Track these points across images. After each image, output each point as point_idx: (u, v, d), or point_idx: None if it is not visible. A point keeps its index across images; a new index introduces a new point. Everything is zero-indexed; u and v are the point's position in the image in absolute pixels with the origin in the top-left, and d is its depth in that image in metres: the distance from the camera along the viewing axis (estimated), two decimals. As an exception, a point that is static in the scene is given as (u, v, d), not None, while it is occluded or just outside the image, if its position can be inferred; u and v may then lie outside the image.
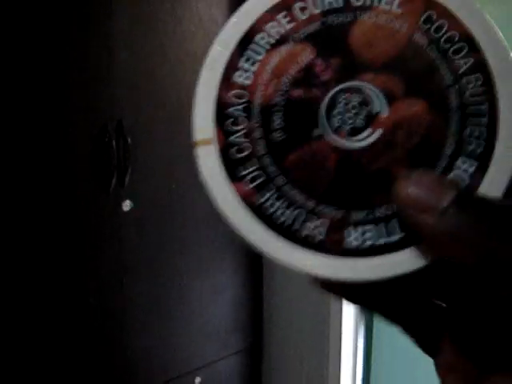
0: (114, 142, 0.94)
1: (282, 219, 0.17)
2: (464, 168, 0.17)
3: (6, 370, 0.83)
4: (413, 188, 0.16)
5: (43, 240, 0.87)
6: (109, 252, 0.98)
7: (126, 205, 0.98)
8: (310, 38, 0.17)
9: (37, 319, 0.87)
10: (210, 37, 1.05)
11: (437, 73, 0.17)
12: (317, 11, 0.17)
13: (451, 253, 0.15)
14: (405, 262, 0.17)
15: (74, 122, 0.90)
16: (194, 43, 1.04)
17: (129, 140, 0.96)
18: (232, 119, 0.17)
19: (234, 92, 0.18)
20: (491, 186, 0.17)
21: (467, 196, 0.16)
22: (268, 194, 0.17)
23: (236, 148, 0.17)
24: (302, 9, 0.17)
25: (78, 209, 0.92)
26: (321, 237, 0.17)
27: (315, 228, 0.17)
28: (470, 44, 0.17)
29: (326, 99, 0.17)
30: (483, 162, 0.17)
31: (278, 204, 0.17)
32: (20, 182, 0.84)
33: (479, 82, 0.17)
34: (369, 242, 0.17)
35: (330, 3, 0.17)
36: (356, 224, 0.17)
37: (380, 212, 0.17)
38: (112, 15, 0.92)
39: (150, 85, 0.99)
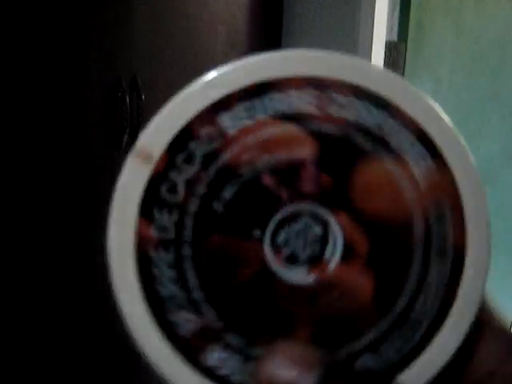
0: (127, 97, 0.94)
1: (160, 288, 0.14)
2: (365, 366, 0.14)
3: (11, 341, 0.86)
4: (274, 367, 0.13)
5: (51, 197, 0.88)
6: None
7: (137, 161, 0.99)
8: (322, 138, 0.14)
9: (38, 288, 0.89)
10: (233, -3, 1.02)
11: (406, 270, 0.14)
12: (351, 118, 0.14)
13: None
14: None
15: (88, 74, 0.90)
16: (216, 3, 1.01)
17: (143, 96, 0.96)
18: (187, 154, 0.14)
19: (208, 129, 0.14)
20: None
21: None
22: (163, 254, 0.14)
23: (169, 185, 0.14)
24: (340, 105, 0.14)
25: (89, 163, 0.92)
26: (184, 333, 0.14)
27: (185, 321, 0.14)
28: (458, 261, 0.14)
29: (289, 209, 0.14)
30: (389, 373, 0.14)
31: (166, 271, 0.14)
32: (27, 131, 0.84)
33: (433, 312, 0.14)
34: (224, 371, 0.14)
35: (373, 125, 0.14)
36: (226, 346, 0.14)
37: (253, 351, 0.14)
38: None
39: (167, 43, 0.98)
